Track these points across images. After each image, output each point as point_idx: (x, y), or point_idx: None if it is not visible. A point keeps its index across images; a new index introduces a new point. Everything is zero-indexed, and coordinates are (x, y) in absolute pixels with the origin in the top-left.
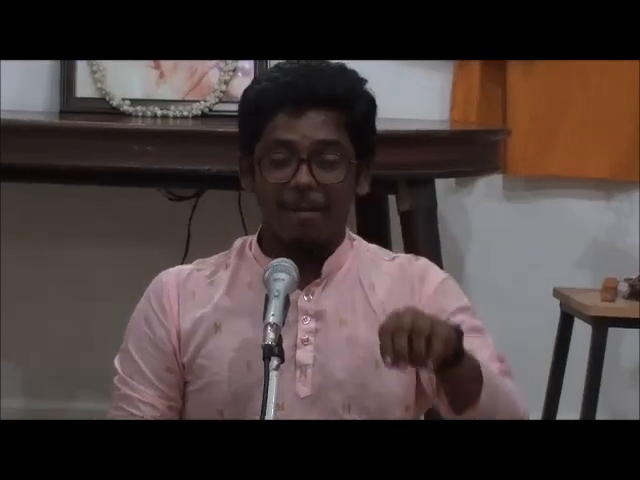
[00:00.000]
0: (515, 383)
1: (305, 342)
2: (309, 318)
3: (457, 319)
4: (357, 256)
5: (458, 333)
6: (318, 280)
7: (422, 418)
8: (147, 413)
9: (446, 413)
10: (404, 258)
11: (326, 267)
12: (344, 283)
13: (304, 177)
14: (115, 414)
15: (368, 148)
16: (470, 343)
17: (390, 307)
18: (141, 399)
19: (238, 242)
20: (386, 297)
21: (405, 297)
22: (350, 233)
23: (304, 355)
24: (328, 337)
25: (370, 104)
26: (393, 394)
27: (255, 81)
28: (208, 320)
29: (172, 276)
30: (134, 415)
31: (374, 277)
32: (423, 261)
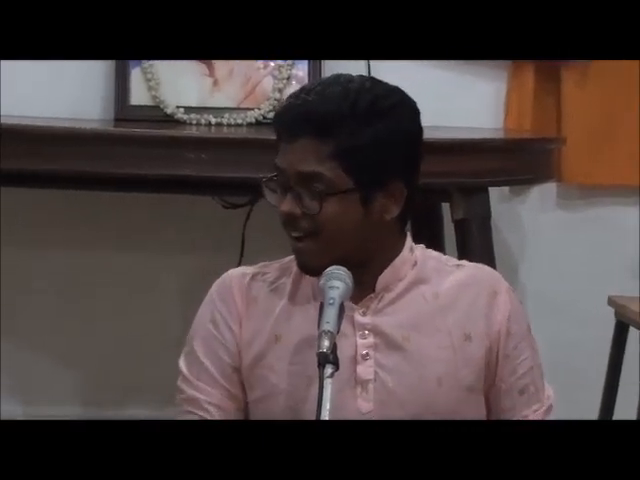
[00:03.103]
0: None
1: (365, 357)
2: (367, 332)
3: (522, 356)
4: (419, 267)
5: None
6: (372, 295)
7: None
8: (215, 415)
9: None
10: (471, 266)
11: (380, 282)
12: (404, 297)
13: (285, 206)
14: (184, 418)
15: (375, 177)
16: (519, 401)
17: (455, 316)
18: (209, 400)
19: None
20: (452, 305)
21: (473, 307)
22: (412, 244)
23: (365, 370)
24: (388, 353)
25: (377, 133)
26: (456, 413)
27: None
28: (269, 330)
29: (236, 278)
30: (204, 418)
31: (438, 286)
32: (489, 270)
